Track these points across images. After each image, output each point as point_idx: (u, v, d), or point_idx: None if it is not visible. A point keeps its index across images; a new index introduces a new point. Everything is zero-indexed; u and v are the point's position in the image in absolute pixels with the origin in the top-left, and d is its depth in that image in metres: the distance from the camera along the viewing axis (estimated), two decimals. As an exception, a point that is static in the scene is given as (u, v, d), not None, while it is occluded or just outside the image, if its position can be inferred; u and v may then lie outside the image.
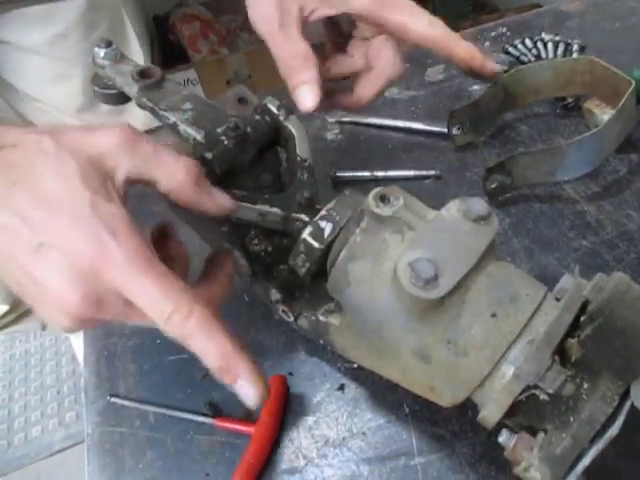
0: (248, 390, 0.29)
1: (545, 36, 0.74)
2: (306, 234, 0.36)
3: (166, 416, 0.44)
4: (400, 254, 0.31)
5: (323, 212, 0.37)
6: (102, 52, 0.46)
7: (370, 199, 0.33)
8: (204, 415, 0.43)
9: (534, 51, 0.72)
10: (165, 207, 0.42)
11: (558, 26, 0.78)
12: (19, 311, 0.96)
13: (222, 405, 0.44)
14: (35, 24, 0.73)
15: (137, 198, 0.35)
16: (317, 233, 0.36)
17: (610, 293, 0.28)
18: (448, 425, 0.40)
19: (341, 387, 0.44)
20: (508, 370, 0.30)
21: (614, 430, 0.28)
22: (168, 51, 1.66)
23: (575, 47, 0.72)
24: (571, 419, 0.29)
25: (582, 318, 0.29)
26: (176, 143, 0.44)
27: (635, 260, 0.48)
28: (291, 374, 0.46)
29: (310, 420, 0.43)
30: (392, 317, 0.33)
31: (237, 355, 0.29)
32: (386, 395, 0.42)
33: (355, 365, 0.43)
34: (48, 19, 0.73)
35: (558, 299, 0.32)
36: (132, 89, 0.45)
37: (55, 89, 0.80)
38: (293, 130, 0.43)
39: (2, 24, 0.72)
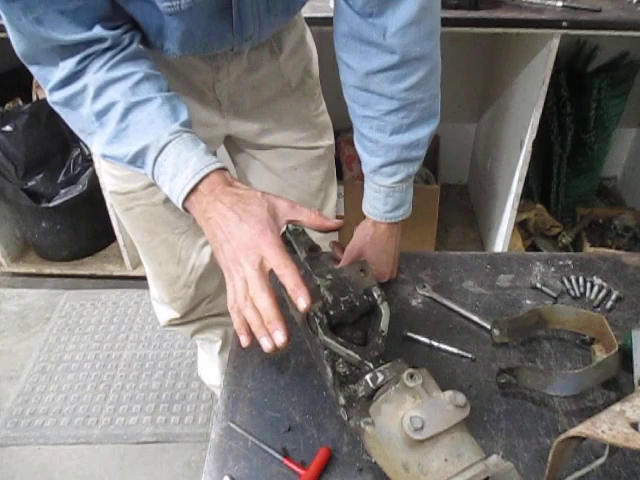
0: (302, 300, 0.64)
1: (596, 280, 0.98)
2: (368, 377, 0.65)
3: (257, 445, 0.74)
4: (409, 409, 0.59)
5: (381, 368, 0.66)
6: (291, 228, 0.80)
7: (405, 374, 0.62)
8: (278, 453, 0.72)
9: (581, 289, 0.97)
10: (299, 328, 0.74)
11: (613, 273, 1.00)
12: (184, 320, 1.34)
13: (290, 452, 0.73)
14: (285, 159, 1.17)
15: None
16: (374, 378, 0.65)
17: (497, 470, 0.54)
18: (411, 515, 0.66)
19: (360, 470, 0.71)
20: (441, 490, 0.56)
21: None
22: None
23: (613, 296, 0.95)
24: (464, 528, 0.55)
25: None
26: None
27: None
28: (335, 450, 0.74)
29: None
30: (395, 440, 0.60)
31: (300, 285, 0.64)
32: (384, 484, 0.69)
33: (373, 460, 0.69)
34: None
35: (486, 464, 0.58)
36: (301, 254, 0.78)
37: None
38: (383, 311, 0.73)
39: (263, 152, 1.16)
